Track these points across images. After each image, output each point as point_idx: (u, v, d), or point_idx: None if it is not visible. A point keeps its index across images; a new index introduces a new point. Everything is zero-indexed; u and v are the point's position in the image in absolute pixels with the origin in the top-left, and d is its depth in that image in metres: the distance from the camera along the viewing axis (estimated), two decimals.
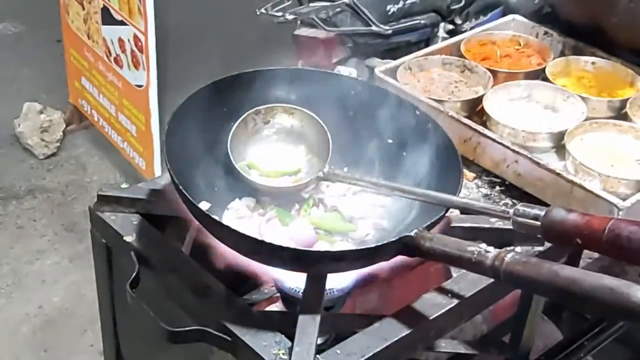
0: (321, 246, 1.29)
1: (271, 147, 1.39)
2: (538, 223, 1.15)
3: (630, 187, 1.40)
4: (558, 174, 1.41)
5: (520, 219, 1.17)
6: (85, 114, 3.41)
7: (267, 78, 1.41)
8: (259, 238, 1.19)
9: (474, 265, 1.12)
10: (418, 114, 1.37)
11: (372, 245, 1.19)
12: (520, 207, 1.18)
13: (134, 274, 1.23)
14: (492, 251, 1.11)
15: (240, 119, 1.35)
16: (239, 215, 1.32)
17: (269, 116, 1.38)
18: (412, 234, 1.18)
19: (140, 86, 2.91)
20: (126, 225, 1.33)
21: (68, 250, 2.91)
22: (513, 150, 1.48)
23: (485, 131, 1.52)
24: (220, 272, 1.27)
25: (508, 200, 1.48)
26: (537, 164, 1.45)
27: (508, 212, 1.19)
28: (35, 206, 3.14)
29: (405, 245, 1.18)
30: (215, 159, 1.36)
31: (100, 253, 1.40)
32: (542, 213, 1.15)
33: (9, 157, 3.36)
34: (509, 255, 1.09)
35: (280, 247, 1.18)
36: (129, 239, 1.31)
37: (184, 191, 1.19)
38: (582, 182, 1.39)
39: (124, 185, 1.39)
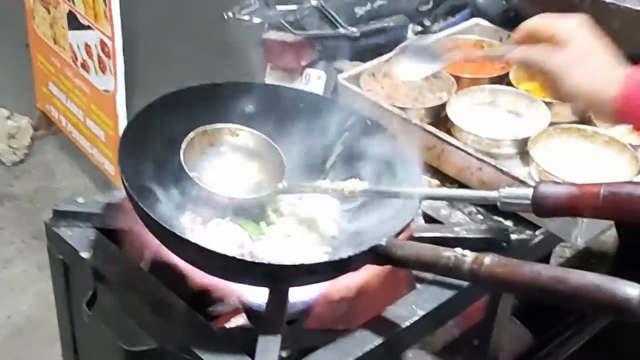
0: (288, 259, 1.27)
1: (223, 166, 1.37)
2: (528, 201, 1.19)
3: None
4: (522, 181, 1.40)
5: (508, 200, 1.21)
6: (53, 119, 3.37)
7: (221, 92, 1.39)
8: (222, 252, 1.16)
9: (451, 271, 1.12)
10: (369, 124, 1.37)
11: (344, 257, 1.17)
12: (506, 188, 1.22)
13: (90, 293, 1.20)
14: (470, 255, 1.10)
15: (187, 139, 1.32)
16: (191, 228, 1.30)
17: (214, 138, 1.36)
18: (383, 243, 1.17)
19: (107, 91, 2.88)
20: (83, 241, 1.31)
21: (36, 258, 2.86)
22: (477, 158, 1.46)
23: (449, 138, 1.50)
24: (181, 286, 1.25)
25: (472, 208, 1.47)
26: (501, 171, 1.43)
27: (494, 196, 1.23)
28: (3, 214, 3.10)
29: (376, 254, 1.17)
30: (172, 173, 1.33)
31: (57, 269, 1.38)
32: (530, 190, 1.19)
33: None
34: (488, 259, 1.08)
35: (250, 262, 1.16)
36: (85, 255, 1.28)
37: (141, 206, 1.16)
38: None
39: (80, 200, 1.36)
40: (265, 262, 1.18)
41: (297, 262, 1.18)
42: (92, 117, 3.05)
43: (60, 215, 1.34)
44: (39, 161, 3.37)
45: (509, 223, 1.43)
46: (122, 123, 2.87)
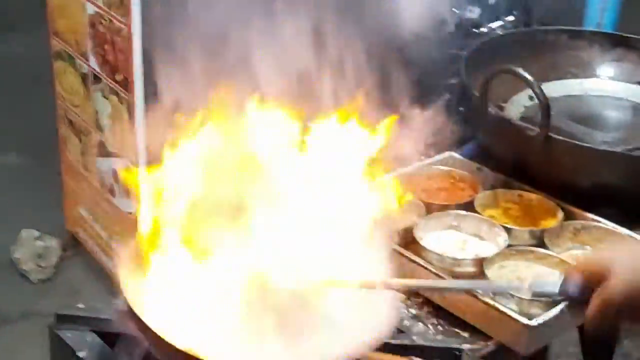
0: None
1: None
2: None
3: (542, 307, 1.54)
4: (474, 297, 1.55)
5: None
6: (80, 240, 3.58)
7: None
8: None
9: None
10: None
11: None
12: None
13: None
14: None
15: None
16: None
17: None
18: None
19: (131, 213, 3.08)
20: (80, 342, 1.47)
21: None
22: (439, 276, 1.62)
23: (415, 258, 1.67)
24: None
25: (434, 320, 1.62)
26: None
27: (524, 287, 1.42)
28: (28, 331, 3.23)
29: None
30: None
31: None
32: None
33: (3, 281, 3.51)
34: None
35: None
36: (82, 354, 1.44)
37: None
38: (496, 304, 1.53)
39: (80, 305, 1.53)
40: None
41: None
42: (116, 239, 3.25)
43: (62, 319, 1.51)
44: (66, 279, 3.55)
45: (465, 334, 1.58)
46: None
